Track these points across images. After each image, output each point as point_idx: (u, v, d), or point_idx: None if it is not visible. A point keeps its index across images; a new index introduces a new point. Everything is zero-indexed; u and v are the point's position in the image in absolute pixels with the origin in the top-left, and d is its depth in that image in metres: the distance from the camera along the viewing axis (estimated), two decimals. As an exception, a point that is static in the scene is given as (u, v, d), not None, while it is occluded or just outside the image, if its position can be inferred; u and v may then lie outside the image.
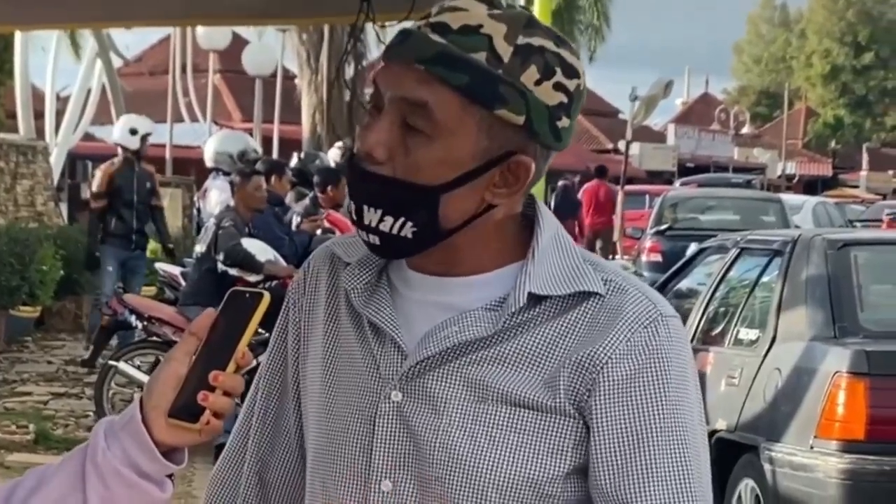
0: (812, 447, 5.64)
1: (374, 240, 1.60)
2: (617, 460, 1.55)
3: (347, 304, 1.67)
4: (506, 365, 1.57)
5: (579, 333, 1.58)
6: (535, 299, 1.59)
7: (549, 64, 1.56)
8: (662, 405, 1.56)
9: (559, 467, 1.57)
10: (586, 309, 1.59)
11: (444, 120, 1.54)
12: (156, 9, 3.68)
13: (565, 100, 1.58)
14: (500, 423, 1.56)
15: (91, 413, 9.26)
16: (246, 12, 3.78)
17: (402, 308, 1.63)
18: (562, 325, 1.58)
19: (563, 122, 1.58)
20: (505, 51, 1.54)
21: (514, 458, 1.56)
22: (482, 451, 1.56)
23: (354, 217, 1.61)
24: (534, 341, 1.58)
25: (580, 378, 1.56)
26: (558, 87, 1.57)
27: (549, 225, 1.64)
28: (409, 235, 1.57)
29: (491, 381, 1.57)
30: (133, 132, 11.49)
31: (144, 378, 8.79)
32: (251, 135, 18.01)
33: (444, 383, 1.58)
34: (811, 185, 48.37)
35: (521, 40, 1.55)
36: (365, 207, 1.58)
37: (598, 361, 1.56)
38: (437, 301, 1.62)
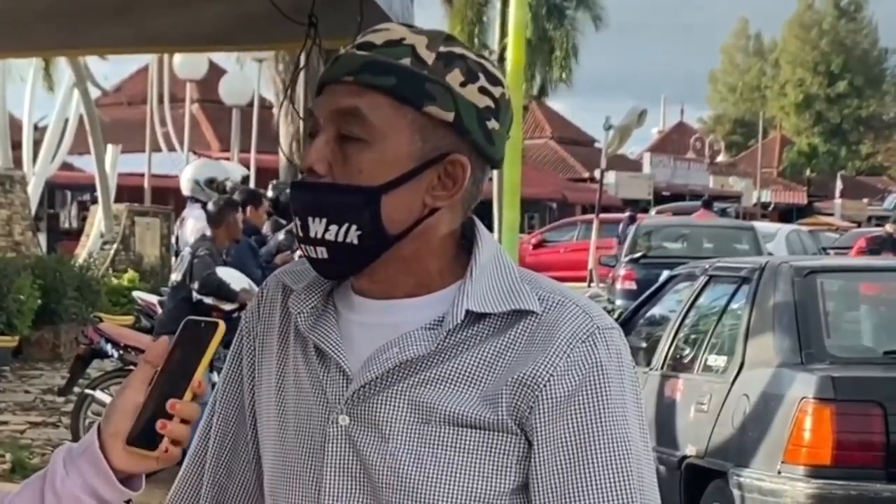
0: (780, 472, 5.69)
1: (322, 253, 1.62)
2: (557, 476, 1.58)
3: (296, 330, 1.70)
4: (447, 385, 1.60)
5: (518, 351, 1.61)
6: (473, 317, 1.62)
7: (472, 69, 1.63)
8: (602, 420, 1.59)
9: (504, 484, 1.60)
10: (524, 327, 1.62)
11: (377, 122, 1.59)
12: (115, 37, 3.75)
13: (492, 104, 1.63)
14: (445, 443, 1.59)
15: (67, 442, 9.25)
16: (201, 39, 3.86)
17: (346, 332, 1.66)
18: (500, 344, 1.61)
19: (493, 125, 1.63)
20: (428, 56, 1.61)
21: (459, 477, 1.59)
22: (428, 472, 1.59)
23: (300, 233, 1.64)
24: (473, 360, 1.61)
25: (522, 396, 1.59)
26: (483, 91, 1.62)
27: (488, 245, 1.67)
28: (355, 241, 1.61)
29: (434, 402, 1.60)
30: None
31: (121, 407, 8.82)
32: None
33: (389, 406, 1.61)
34: (786, 214, 48.62)
35: (442, 49, 1.63)
36: (309, 219, 1.62)
37: (539, 379, 1.59)
38: (380, 323, 1.65)
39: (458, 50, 1.64)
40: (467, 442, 1.60)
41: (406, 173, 1.61)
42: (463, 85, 1.61)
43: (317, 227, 1.62)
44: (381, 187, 1.60)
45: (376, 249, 1.62)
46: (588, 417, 1.59)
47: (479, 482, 1.59)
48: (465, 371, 1.61)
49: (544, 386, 1.59)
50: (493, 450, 1.60)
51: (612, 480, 1.58)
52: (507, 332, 1.63)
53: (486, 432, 1.60)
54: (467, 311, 1.61)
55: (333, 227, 1.61)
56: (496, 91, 1.64)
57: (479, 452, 1.60)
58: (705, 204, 23.77)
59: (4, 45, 4.01)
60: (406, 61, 1.60)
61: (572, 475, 1.58)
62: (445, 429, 1.60)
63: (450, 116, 1.61)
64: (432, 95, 1.60)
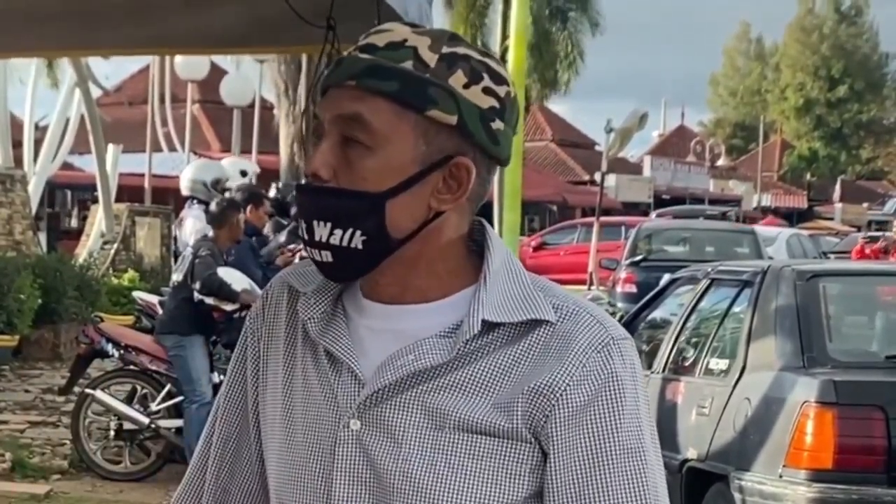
0: (781, 476, 5.69)
1: (327, 256, 1.62)
2: (573, 486, 1.58)
3: (304, 334, 1.70)
4: (462, 392, 1.60)
5: (533, 360, 1.60)
6: (488, 326, 1.61)
7: (476, 70, 1.61)
8: (618, 431, 1.59)
9: (517, 492, 1.59)
10: (538, 336, 1.61)
11: (380, 128, 1.58)
12: (126, 38, 3.75)
13: (496, 104, 1.62)
14: (459, 450, 1.58)
15: (67, 441, 9.27)
16: (215, 42, 3.86)
17: (357, 336, 1.66)
18: (515, 353, 1.61)
19: (498, 125, 1.62)
20: (430, 58, 1.60)
21: (473, 484, 1.58)
22: (442, 478, 1.58)
23: (306, 236, 1.64)
24: (488, 368, 1.60)
25: (537, 405, 1.58)
26: (487, 91, 1.61)
27: (498, 250, 1.67)
28: (360, 246, 1.60)
29: (448, 408, 1.59)
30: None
31: (121, 406, 8.81)
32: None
33: (401, 412, 1.61)
34: (787, 217, 48.64)
35: (445, 50, 1.61)
36: (315, 222, 1.62)
37: (555, 389, 1.58)
38: (391, 329, 1.64)
39: (461, 50, 1.62)
40: (481, 449, 1.59)
41: (410, 178, 1.60)
42: (466, 87, 1.60)
43: (322, 231, 1.62)
44: (386, 193, 1.60)
45: (381, 254, 1.62)
46: (604, 428, 1.59)
47: (493, 489, 1.59)
48: (480, 379, 1.61)
49: (560, 395, 1.59)
50: (506, 457, 1.59)
51: (628, 492, 1.59)
52: (522, 340, 1.62)
53: (500, 440, 1.59)
54: (483, 321, 1.60)
55: (338, 232, 1.61)
56: (501, 90, 1.63)
57: (493, 460, 1.59)
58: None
59: (15, 45, 4.00)
60: (408, 64, 1.59)
61: (588, 486, 1.59)
62: (459, 435, 1.59)
63: (453, 120, 1.60)
64: (434, 99, 1.59)
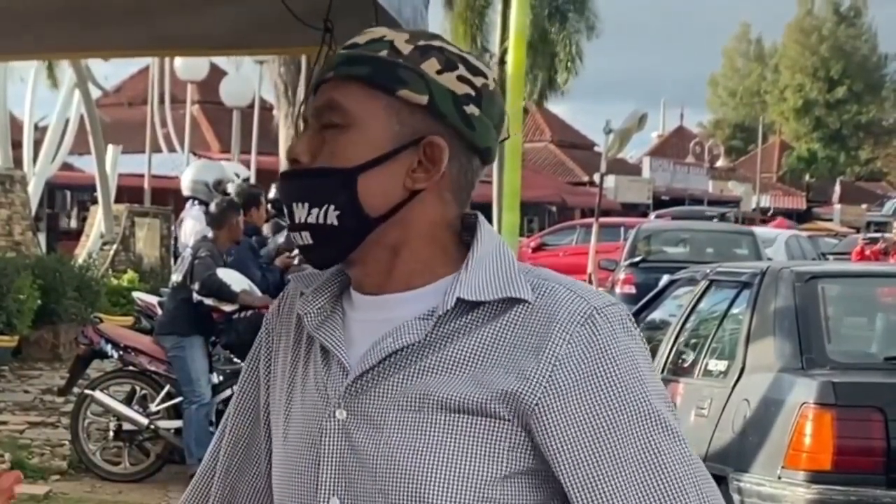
0: (780, 477, 5.69)
1: (307, 238, 1.66)
2: (585, 463, 1.57)
3: (306, 330, 1.73)
4: (441, 372, 1.61)
5: (512, 339, 1.60)
6: (467, 306, 1.62)
7: (451, 59, 1.65)
8: (620, 400, 1.57)
9: (496, 470, 1.58)
10: (516, 315, 1.61)
11: (351, 108, 1.63)
12: (125, 40, 3.75)
13: (471, 92, 1.65)
14: (437, 428, 1.59)
15: (67, 442, 9.27)
16: (214, 43, 3.86)
17: (349, 330, 1.68)
18: (494, 331, 1.61)
19: (472, 110, 1.65)
20: (405, 48, 1.65)
21: (452, 462, 1.58)
22: (421, 458, 1.58)
23: (288, 221, 1.68)
24: (467, 347, 1.61)
25: (525, 388, 1.57)
26: (462, 79, 1.65)
27: (488, 239, 1.68)
28: (335, 222, 1.63)
29: (428, 389, 1.60)
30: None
31: (120, 407, 8.82)
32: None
33: (384, 398, 1.62)
34: (786, 218, 48.69)
35: (421, 42, 1.66)
36: (294, 205, 1.66)
37: (543, 370, 1.57)
38: (378, 318, 1.66)
39: (437, 43, 1.67)
40: (458, 427, 1.59)
41: (382, 155, 1.63)
42: (439, 73, 1.64)
43: (300, 212, 1.65)
44: (357, 168, 1.63)
45: (357, 231, 1.64)
46: (604, 400, 1.57)
47: (472, 467, 1.58)
48: (459, 357, 1.61)
49: (550, 376, 1.58)
50: (484, 435, 1.59)
51: (646, 458, 1.57)
52: (500, 319, 1.62)
53: (477, 417, 1.59)
54: (458, 299, 1.62)
55: (315, 211, 1.64)
56: (477, 80, 1.66)
57: (471, 437, 1.59)
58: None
59: (14, 48, 4.00)
60: (383, 53, 1.65)
61: (600, 461, 1.57)
62: (438, 415, 1.60)
63: (423, 100, 1.63)
64: (404, 80, 1.63)
